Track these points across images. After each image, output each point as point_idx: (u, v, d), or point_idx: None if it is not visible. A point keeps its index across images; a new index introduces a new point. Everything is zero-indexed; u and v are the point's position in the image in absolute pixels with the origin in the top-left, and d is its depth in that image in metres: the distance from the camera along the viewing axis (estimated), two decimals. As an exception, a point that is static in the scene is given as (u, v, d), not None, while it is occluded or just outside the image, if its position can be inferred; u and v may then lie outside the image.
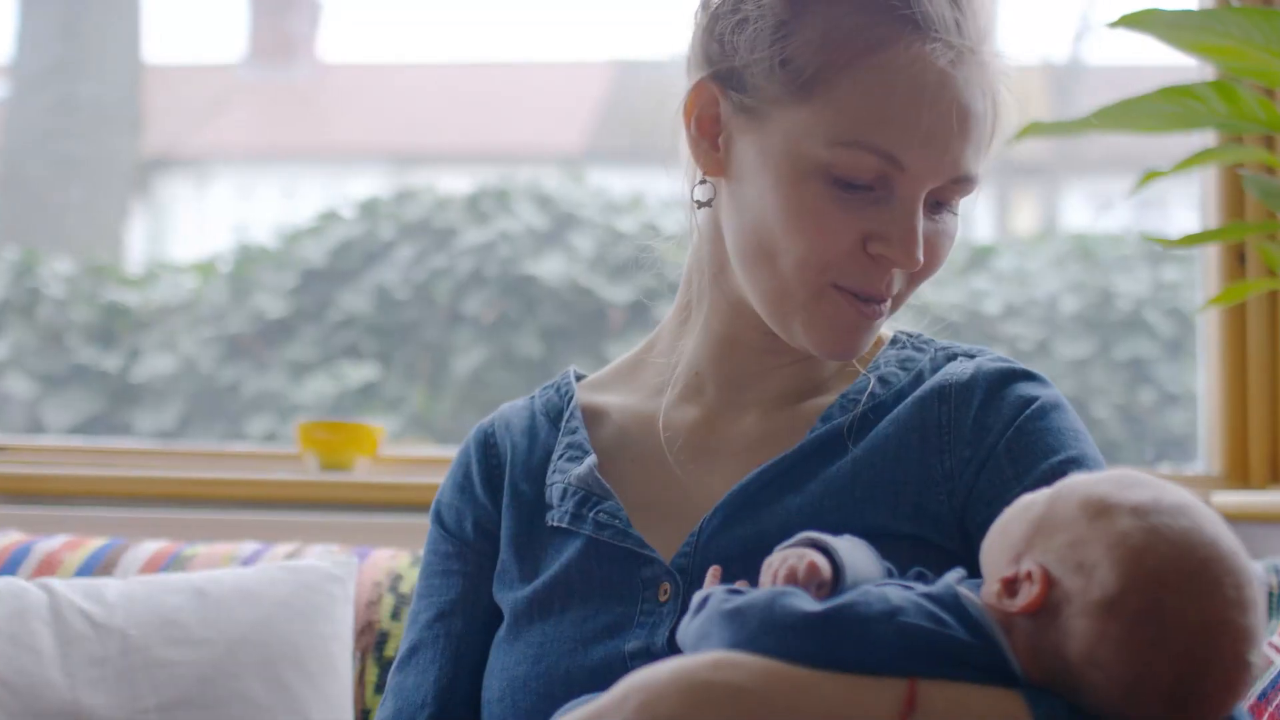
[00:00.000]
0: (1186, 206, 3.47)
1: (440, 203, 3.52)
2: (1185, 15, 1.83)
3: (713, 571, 1.08)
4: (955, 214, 1.17)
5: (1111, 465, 1.16)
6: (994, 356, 1.22)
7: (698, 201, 1.22)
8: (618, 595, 1.16)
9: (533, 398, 1.35)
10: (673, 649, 1.09)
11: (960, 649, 0.91)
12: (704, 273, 1.24)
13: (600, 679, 1.08)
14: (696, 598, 0.98)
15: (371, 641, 1.80)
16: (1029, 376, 1.19)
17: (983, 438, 1.15)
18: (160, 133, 3.98)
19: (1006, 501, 1.04)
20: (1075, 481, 0.96)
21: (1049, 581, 0.91)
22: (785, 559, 0.97)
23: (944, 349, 1.25)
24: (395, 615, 1.81)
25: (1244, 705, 0.95)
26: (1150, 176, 1.90)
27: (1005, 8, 1.21)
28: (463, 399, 3.33)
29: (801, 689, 0.89)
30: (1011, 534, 0.95)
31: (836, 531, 1.01)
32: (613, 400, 1.30)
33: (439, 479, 2.26)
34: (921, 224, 1.13)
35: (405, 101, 4.28)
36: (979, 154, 1.14)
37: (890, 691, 0.89)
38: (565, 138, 4.22)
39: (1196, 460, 2.41)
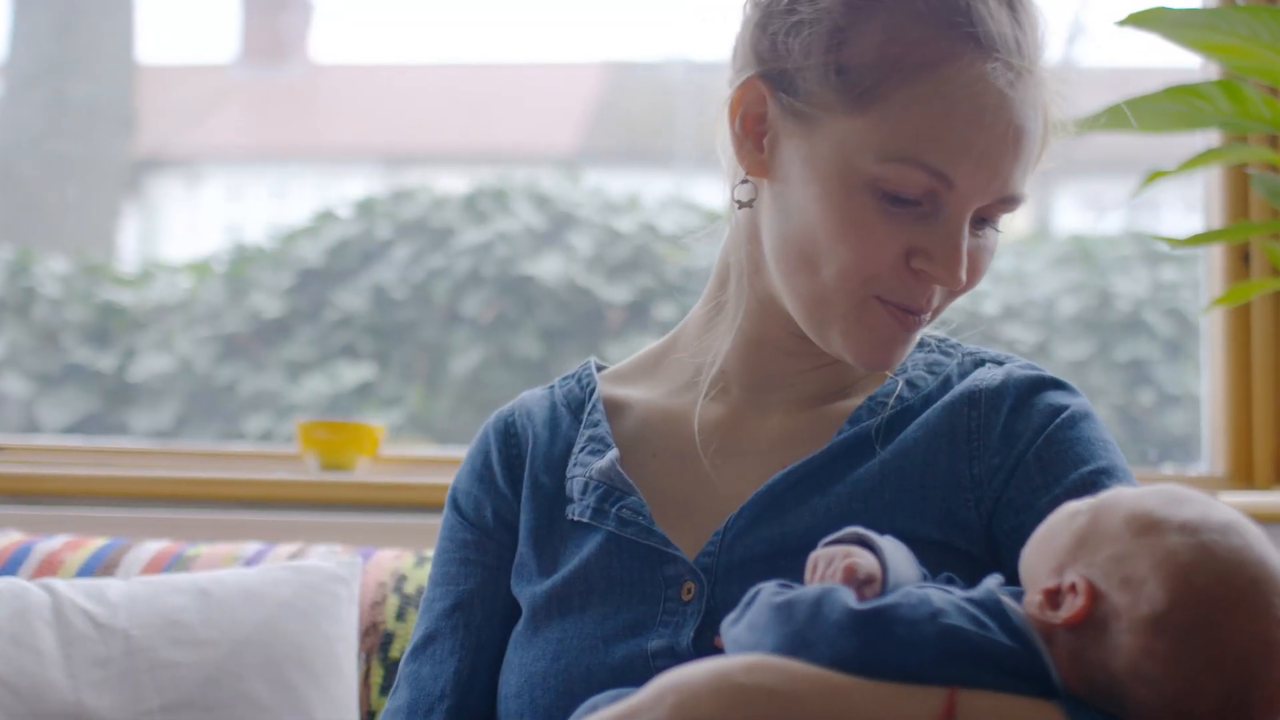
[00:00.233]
0: (1178, 208, 3.47)
1: (437, 202, 3.51)
2: (1192, 14, 1.83)
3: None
4: (997, 230, 1.16)
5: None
6: (1023, 364, 1.22)
7: (738, 202, 1.20)
8: (639, 593, 1.15)
9: (552, 388, 1.33)
10: (699, 649, 1.09)
11: (1002, 654, 0.90)
12: (738, 272, 1.23)
13: (622, 677, 1.08)
14: (749, 594, 0.97)
15: (376, 642, 1.79)
16: (1058, 385, 1.19)
17: (1012, 445, 1.15)
18: (152, 133, 3.97)
19: (1035, 509, 1.04)
20: (1119, 495, 0.95)
21: (1094, 595, 0.91)
22: (833, 556, 0.96)
23: (971, 354, 1.24)
24: (400, 616, 1.80)
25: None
26: (1155, 176, 1.90)
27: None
28: (460, 399, 3.32)
29: (838, 694, 0.88)
30: (1054, 545, 0.95)
31: None
32: (635, 393, 1.29)
33: (441, 479, 2.27)
34: (966, 242, 1.12)
35: (397, 102, 4.27)
36: (1027, 172, 1.13)
37: (929, 699, 0.88)
38: (558, 138, 4.21)
39: (1200, 461, 2.42)
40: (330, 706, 1.68)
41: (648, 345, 1.36)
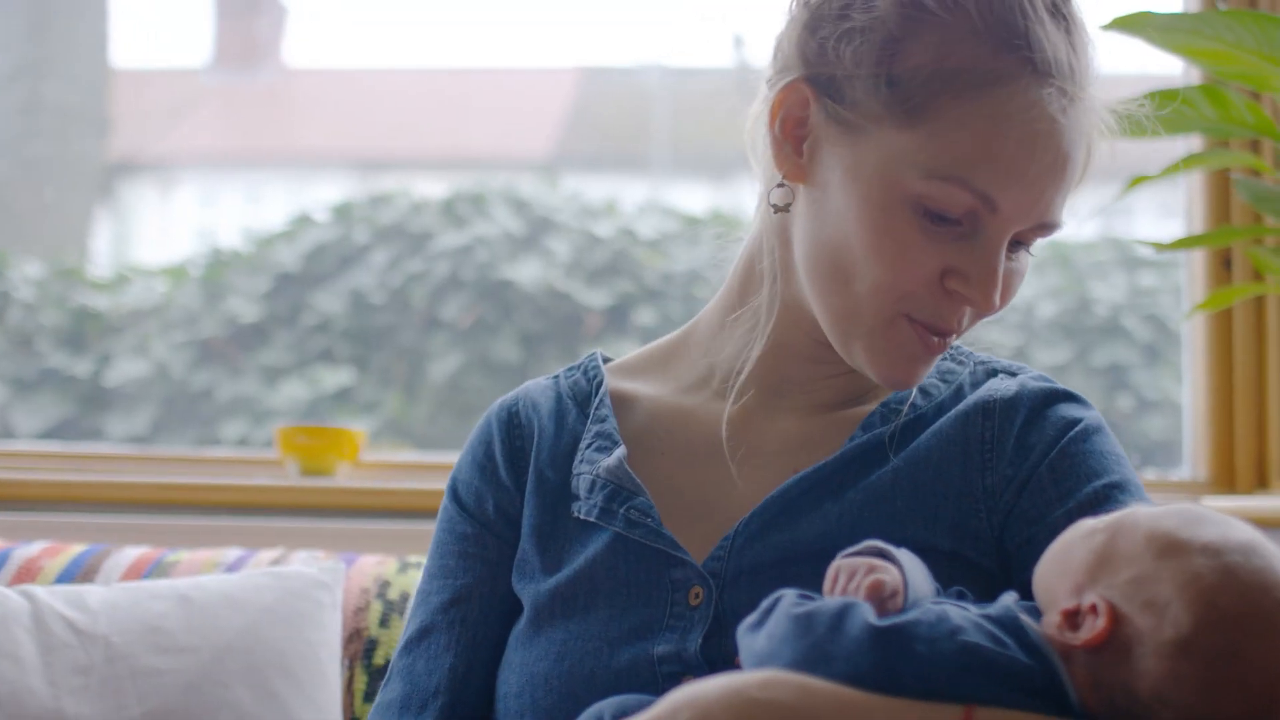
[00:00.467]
0: (1154, 213, 3.48)
1: (415, 207, 3.49)
2: (1177, 18, 1.84)
3: None
4: (1030, 254, 1.15)
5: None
6: (1036, 375, 1.22)
7: (774, 206, 1.17)
8: (645, 596, 1.14)
9: (556, 378, 1.31)
10: (706, 655, 1.08)
11: (1020, 671, 0.90)
12: (764, 275, 1.21)
13: (627, 681, 1.07)
14: (768, 600, 0.96)
15: (360, 649, 1.78)
16: (1071, 398, 1.19)
17: (1025, 457, 1.14)
18: (126, 136, 3.94)
19: (1048, 522, 1.03)
20: (1136, 514, 0.95)
21: (1115, 618, 0.90)
22: (855, 569, 0.95)
23: (983, 362, 1.24)
24: (384, 622, 1.79)
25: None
26: (1139, 181, 1.91)
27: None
28: (439, 404, 3.30)
29: (854, 710, 0.87)
30: (1071, 564, 0.95)
31: None
32: (643, 389, 1.27)
33: (423, 484, 2.26)
34: (1003, 265, 1.10)
35: (371, 107, 4.26)
36: (1066, 199, 1.12)
37: (946, 717, 0.87)
38: (533, 144, 4.20)
39: (1181, 466, 2.42)
40: (314, 713, 1.67)
41: (656, 340, 1.35)
